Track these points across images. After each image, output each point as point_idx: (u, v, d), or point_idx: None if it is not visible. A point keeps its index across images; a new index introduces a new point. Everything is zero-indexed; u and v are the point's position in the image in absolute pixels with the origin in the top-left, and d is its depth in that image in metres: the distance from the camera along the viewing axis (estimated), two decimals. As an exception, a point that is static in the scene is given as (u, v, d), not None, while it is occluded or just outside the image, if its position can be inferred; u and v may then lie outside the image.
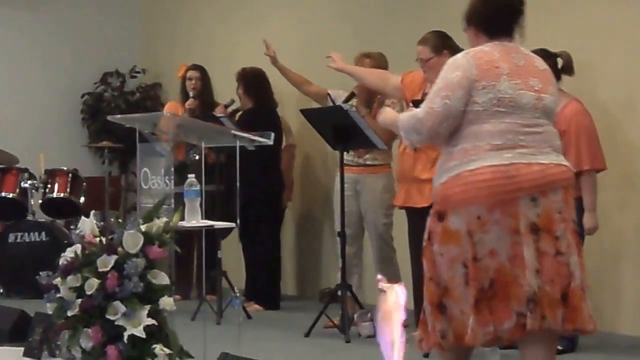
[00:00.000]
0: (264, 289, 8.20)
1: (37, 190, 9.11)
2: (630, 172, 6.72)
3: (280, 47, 8.24)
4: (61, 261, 4.33)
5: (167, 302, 4.24)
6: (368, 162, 7.22)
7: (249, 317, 7.61)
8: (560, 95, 6.21)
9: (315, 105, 7.60)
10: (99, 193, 9.07)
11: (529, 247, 4.13)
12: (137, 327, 4.13)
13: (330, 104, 7.21)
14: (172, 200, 5.23)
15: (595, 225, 6.14)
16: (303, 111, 7.17)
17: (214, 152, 7.83)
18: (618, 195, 6.76)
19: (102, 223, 4.47)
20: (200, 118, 7.44)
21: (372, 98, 7.12)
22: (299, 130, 8.61)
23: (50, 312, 4.33)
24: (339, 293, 6.83)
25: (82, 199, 9.14)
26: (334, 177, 7.37)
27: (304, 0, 9.25)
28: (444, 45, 6.27)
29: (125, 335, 4.12)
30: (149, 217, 4.41)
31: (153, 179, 5.36)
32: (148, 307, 4.18)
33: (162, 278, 4.28)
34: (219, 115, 7.86)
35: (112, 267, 4.19)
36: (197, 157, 8.16)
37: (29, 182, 9.05)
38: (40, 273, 4.38)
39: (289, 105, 8.51)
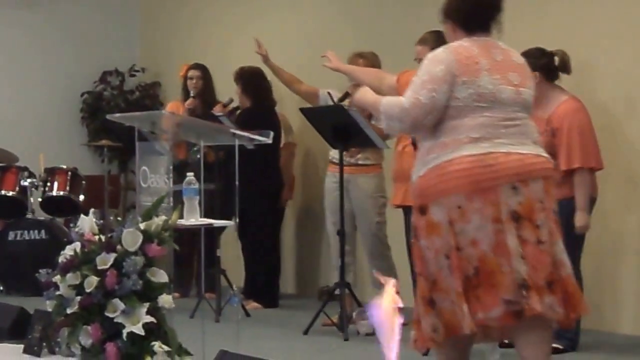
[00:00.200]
0: (263, 287, 8.22)
1: (36, 188, 9.13)
2: (631, 172, 6.72)
3: (279, 46, 8.27)
4: (61, 259, 4.34)
5: (165, 300, 4.25)
6: (360, 162, 7.23)
7: (247, 315, 7.63)
8: (558, 93, 6.24)
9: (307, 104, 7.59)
10: (99, 191, 9.08)
11: (512, 234, 4.15)
12: (136, 324, 4.14)
13: (322, 103, 7.23)
14: (171, 199, 5.25)
15: (586, 224, 6.08)
16: (303, 110, 7.19)
17: (214, 151, 7.84)
18: (619, 195, 6.75)
19: (101, 221, 4.48)
20: (200, 117, 7.45)
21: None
22: (300, 128, 8.62)
23: (49, 310, 4.35)
24: (337, 291, 6.86)
25: (81, 197, 9.16)
26: (329, 175, 7.40)
27: (303, -1, 9.29)
28: (442, 45, 6.28)
29: (124, 332, 4.13)
30: (148, 216, 4.42)
31: (152, 177, 5.37)
32: (147, 304, 4.19)
33: (161, 276, 4.29)
34: (218, 114, 7.88)
35: (111, 265, 4.21)
36: (199, 156, 8.18)
37: (29, 180, 9.07)
38: (40, 271, 4.39)
39: (290, 104, 8.52)
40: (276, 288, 8.34)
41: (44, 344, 4.37)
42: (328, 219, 7.40)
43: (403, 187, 6.51)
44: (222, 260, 7.59)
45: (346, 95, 7.03)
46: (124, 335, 4.13)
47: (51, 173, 9.16)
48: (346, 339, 6.64)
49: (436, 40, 6.37)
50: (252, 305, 8.00)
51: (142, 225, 4.32)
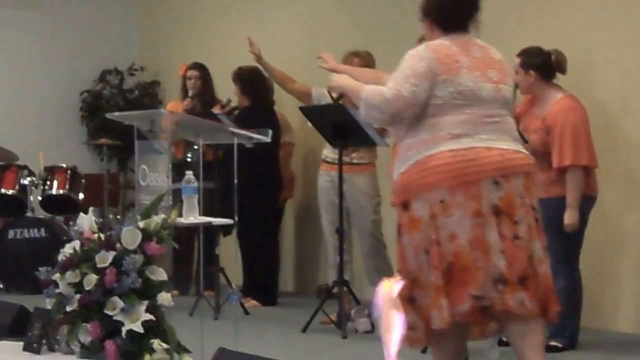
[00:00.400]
0: (261, 285, 8.23)
1: (36, 187, 9.15)
2: (631, 171, 6.73)
3: (279, 44, 8.28)
4: (60, 257, 4.35)
5: (165, 298, 4.25)
6: (355, 161, 7.24)
7: (246, 312, 7.65)
8: (554, 91, 6.25)
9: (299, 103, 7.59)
10: (98, 190, 9.10)
11: (492, 229, 4.17)
12: (135, 322, 4.15)
13: (315, 102, 7.24)
14: (170, 197, 5.26)
15: (575, 222, 6.05)
16: (302, 109, 7.20)
17: (212, 150, 7.85)
18: (618, 194, 6.76)
19: (100, 219, 4.50)
20: (199, 116, 7.46)
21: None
22: (299, 127, 8.62)
23: (49, 307, 4.35)
24: (335, 289, 6.87)
25: (81, 196, 9.18)
26: (322, 174, 7.41)
27: (303, -2, 9.29)
28: None
29: (124, 330, 4.14)
30: (147, 214, 4.42)
31: (151, 175, 5.39)
32: (146, 302, 4.19)
33: (160, 274, 4.30)
34: (217, 113, 7.88)
35: (111, 263, 4.21)
36: (199, 157, 8.18)
37: (29, 179, 9.09)
38: (40, 269, 4.40)
39: (289, 103, 8.53)
40: (275, 286, 8.35)
41: (44, 341, 4.37)
42: (323, 218, 7.42)
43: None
44: (221, 259, 7.61)
45: (342, 94, 7.05)
46: (123, 332, 4.13)
47: (51, 172, 9.18)
48: (344, 337, 6.66)
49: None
50: (250, 303, 8.02)
51: (141, 224, 4.32)
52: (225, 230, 7.79)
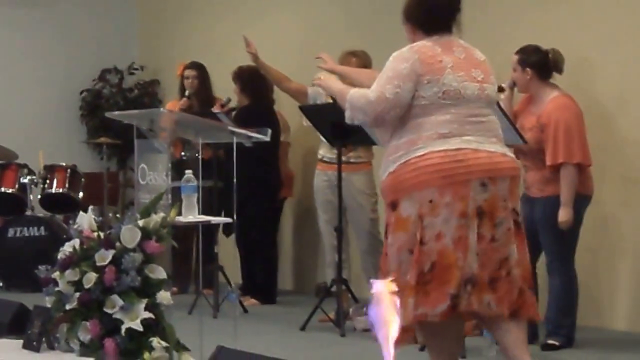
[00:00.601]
0: (260, 283, 8.25)
1: (36, 185, 9.16)
2: (628, 169, 6.75)
3: (280, 44, 8.28)
4: (60, 255, 4.36)
5: (164, 296, 4.26)
6: (352, 160, 7.26)
7: (245, 311, 7.66)
8: (550, 90, 6.26)
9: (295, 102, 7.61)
10: (98, 189, 9.12)
11: (473, 230, 4.21)
12: (134, 320, 4.16)
13: (311, 101, 7.26)
14: (170, 196, 5.28)
15: (569, 219, 6.05)
16: (302, 108, 7.21)
17: (211, 148, 7.86)
18: (615, 193, 6.78)
19: (100, 218, 4.52)
20: (198, 115, 7.47)
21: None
22: (298, 126, 8.63)
23: (49, 306, 4.37)
24: (334, 288, 6.89)
25: (80, 195, 9.19)
26: (318, 173, 7.42)
27: (303, -3, 9.30)
28: None
29: (123, 328, 4.15)
30: (146, 213, 4.43)
31: (150, 174, 5.40)
32: (145, 300, 4.20)
33: (159, 272, 4.31)
34: (216, 112, 7.89)
35: (110, 262, 4.22)
36: (197, 155, 8.19)
37: (28, 177, 9.11)
38: (39, 267, 4.42)
39: (288, 102, 8.54)
40: (274, 285, 8.37)
41: (43, 339, 4.38)
42: (320, 218, 7.45)
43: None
44: (220, 257, 7.62)
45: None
46: (123, 331, 4.14)
47: (50, 170, 9.19)
48: (343, 335, 6.68)
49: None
50: (249, 301, 8.03)
51: (140, 222, 4.33)
52: (227, 230, 7.81)
